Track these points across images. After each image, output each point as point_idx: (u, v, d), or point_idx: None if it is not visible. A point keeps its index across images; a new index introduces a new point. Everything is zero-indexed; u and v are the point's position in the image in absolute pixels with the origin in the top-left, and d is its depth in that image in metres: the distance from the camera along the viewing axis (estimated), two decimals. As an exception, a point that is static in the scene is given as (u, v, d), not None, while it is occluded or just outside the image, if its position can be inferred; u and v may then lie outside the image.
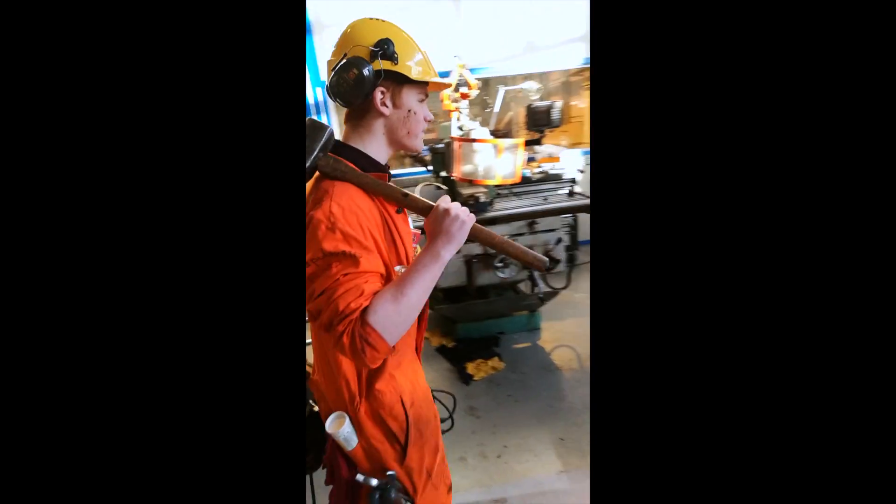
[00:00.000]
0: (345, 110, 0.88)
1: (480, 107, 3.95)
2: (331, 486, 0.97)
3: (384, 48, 0.79)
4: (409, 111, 0.86)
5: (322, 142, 0.81)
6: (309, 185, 0.83)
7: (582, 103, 4.33)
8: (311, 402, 1.02)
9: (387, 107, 0.84)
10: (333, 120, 3.80)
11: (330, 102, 3.81)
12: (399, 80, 0.83)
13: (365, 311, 0.71)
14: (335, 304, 0.71)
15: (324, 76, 2.28)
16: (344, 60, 0.79)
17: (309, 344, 0.94)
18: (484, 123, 2.80)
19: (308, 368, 1.01)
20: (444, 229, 0.78)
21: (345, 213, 0.76)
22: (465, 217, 0.79)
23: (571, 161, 3.64)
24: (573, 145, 4.37)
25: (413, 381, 0.93)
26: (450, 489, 1.03)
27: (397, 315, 0.72)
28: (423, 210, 0.83)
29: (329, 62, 0.84)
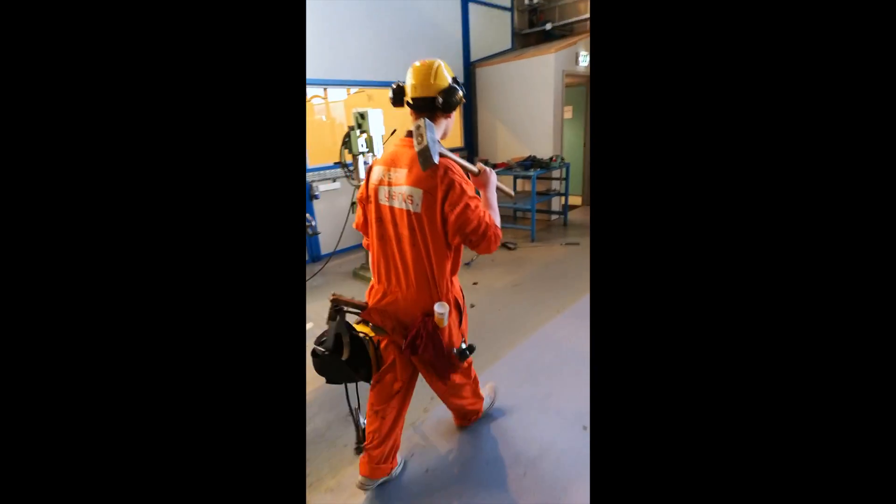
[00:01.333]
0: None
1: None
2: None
3: (457, 81, 1.42)
4: (453, 119, 1.49)
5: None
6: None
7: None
8: (362, 332, 1.52)
9: (451, 114, 1.46)
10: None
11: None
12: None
13: (492, 221, 1.40)
14: (485, 220, 1.36)
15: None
16: (451, 88, 1.38)
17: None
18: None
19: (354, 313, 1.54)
20: (491, 180, 1.51)
21: (461, 174, 1.38)
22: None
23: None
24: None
25: None
26: None
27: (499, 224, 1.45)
28: (474, 172, 1.49)
29: (420, 86, 1.39)
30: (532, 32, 6.19)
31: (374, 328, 1.51)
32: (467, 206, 1.31)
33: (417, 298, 1.45)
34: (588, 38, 5.56)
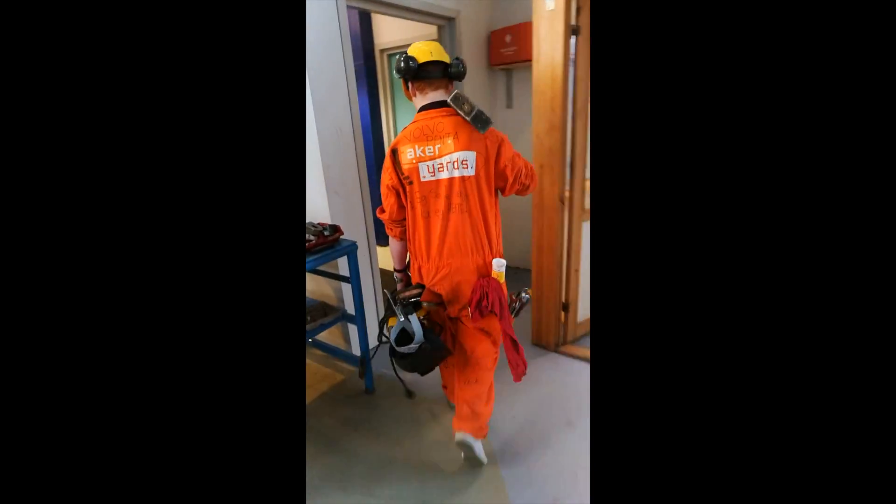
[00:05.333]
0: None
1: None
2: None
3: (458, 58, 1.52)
4: None
5: None
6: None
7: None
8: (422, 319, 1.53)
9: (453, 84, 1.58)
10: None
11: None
12: None
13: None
14: (531, 170, 1.56)
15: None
16: (457, 59, 1.47)
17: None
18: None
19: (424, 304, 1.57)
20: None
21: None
22: None
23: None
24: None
25: None
26: None
27: None
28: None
29: (435, 52, 1.45)
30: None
31: (428, 305, 1.56)
32: (516, 154, 1.49)
33: (472, 262, 1.50)
34: None
